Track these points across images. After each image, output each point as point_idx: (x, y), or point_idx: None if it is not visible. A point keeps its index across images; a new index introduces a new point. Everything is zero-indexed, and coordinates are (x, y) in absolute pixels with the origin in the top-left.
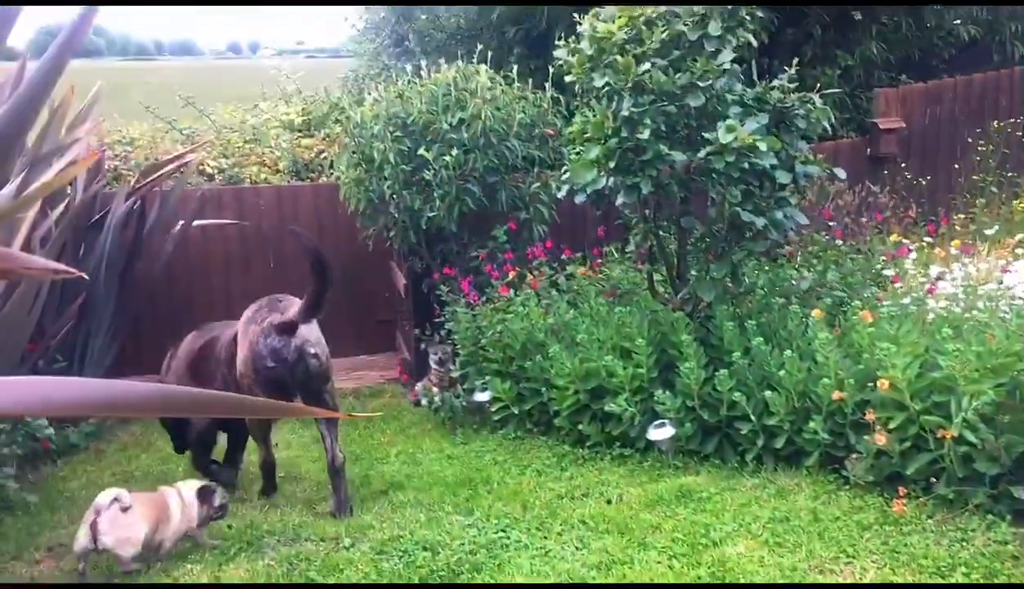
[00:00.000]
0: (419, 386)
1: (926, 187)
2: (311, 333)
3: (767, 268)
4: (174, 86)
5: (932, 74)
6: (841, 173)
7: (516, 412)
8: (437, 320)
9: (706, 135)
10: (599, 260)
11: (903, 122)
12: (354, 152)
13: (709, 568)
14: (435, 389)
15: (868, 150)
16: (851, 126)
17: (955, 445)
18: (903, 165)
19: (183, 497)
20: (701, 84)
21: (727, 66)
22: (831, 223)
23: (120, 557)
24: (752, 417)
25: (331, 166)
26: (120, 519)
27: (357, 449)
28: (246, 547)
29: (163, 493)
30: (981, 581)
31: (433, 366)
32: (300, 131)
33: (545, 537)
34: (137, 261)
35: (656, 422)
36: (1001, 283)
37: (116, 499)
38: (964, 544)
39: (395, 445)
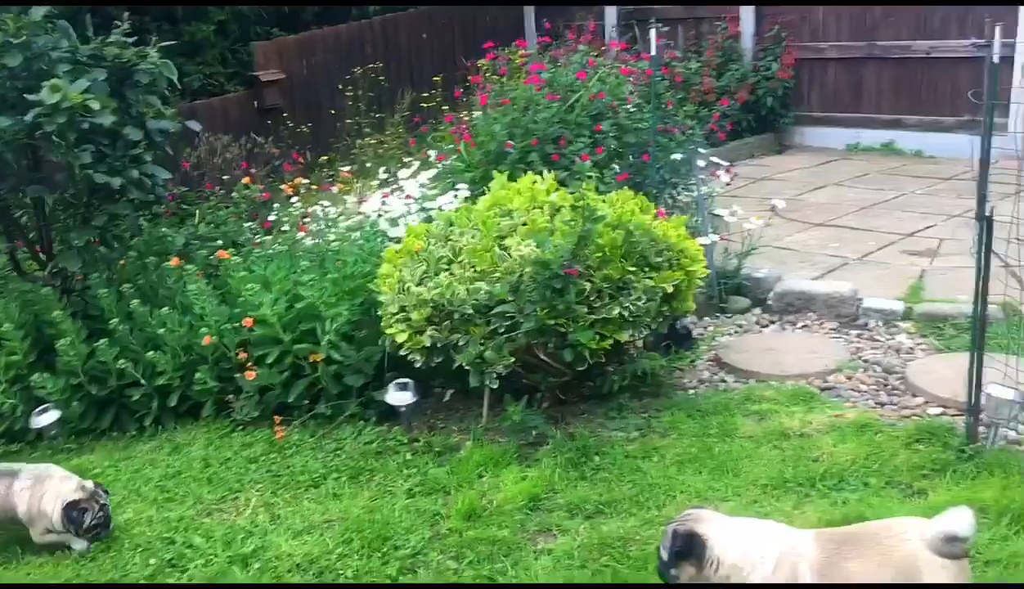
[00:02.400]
0: None
1: (310, 134)
2: None
3: (160, 227)
4: None
5: (304, 27)
6: (195, 126)
7: None
8: None
9: (31, 97)
10: None
11: (283, 73)
12: None
13: None
14: None
15: (255, 103)
16: (238, 81)
17: (326, 366)
18: (285, 115)
19: None
20: (16, 41)
21: (38, 19)
22: (225, 177)
23: None
24: (143, 381)
25: None
26: None
27: None
28: None
29: None
30: (347, 480)
31: None
32: None
33: None
34: None
35: (39, 409)
36: (360, 214)
37: None
38: (338, 453)
39: None
